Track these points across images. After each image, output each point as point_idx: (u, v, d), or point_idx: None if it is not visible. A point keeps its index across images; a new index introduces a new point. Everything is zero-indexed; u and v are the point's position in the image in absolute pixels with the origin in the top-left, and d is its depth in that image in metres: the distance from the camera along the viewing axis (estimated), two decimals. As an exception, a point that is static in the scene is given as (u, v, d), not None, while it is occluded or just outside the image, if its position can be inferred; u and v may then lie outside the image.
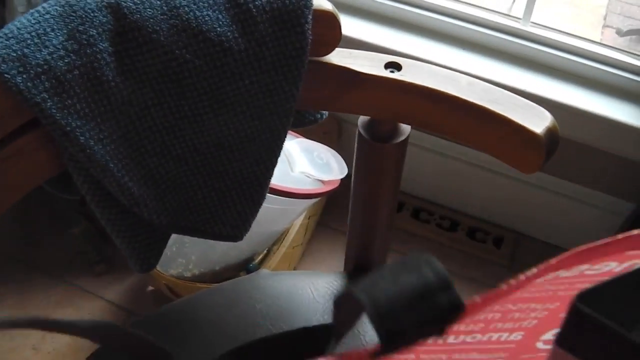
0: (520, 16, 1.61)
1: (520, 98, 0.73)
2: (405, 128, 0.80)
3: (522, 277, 0.35)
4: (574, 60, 1.57)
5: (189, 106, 0.71)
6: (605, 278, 0.37)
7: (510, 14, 1.64)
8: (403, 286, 0.31)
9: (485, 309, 0.37)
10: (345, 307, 0.33)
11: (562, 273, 0.40)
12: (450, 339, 0.41)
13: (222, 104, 0.72)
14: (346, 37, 1.61)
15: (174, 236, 1.43)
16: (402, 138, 0.79)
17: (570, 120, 1.53)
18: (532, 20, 1.60)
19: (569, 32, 1.61)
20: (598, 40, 1.62)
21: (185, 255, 1.48)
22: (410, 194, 1.95)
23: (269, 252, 1.60)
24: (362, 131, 0.79)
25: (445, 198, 1.93)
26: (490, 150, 0.73)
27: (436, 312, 0.32)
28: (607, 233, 1.70)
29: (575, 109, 1.51)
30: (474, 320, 0.40)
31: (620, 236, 0.38)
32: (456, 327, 0.40)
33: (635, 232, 0.39)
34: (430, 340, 0.39)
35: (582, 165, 1.67)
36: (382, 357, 0.32)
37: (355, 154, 0.83)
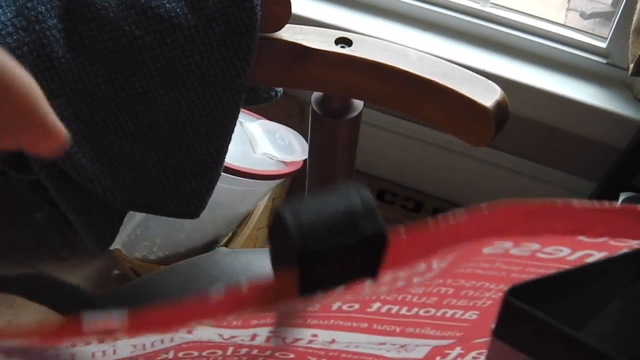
0: (481, -3, 1.62)
1: (470, 72, 0.74)
2: (358, 104, 0.81)
3: (451, 220, 0.35)
4: (532, 41, 1.59)
5: (140, 82, 0.71)
6: (556, 266, 0.38)
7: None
8: (328, 208, 0.32)
9: (414, 253, 0.36)
10: (277, 233, 0.33)
11: (513, 250, 0.40)
12: (404, 310, 0.42)
13: (173, 80, 0.72)
14: (302, 16, 1.62)
15: (138, 219, 1.44)
16: (355, 114, 0.80)
17: (531, 100, 1.54)
18: (496, 3, 1.61)
19: (530, 13, 1.62)
20: (562, 23, 1.64)
21: (150, 238, 1.49)
22: (374, 176, 1.96)
23: (234, 234, 1.60)
24: (315, 107, 0.80)
25: (410, 179, 1.94)
26: (440, 123, 0.74)
27: (359, 239, 0.31)
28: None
29: (536, 89, 1.53)
30: (427, 292, 0.41)
31: (576, 204, 0.38)
32: (409, 297, 0.41)
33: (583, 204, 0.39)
34: (377, 305, 0.39)
35: (545, 145, 1.68)
36: (304, 283, 0.32)
37: (309, 131, 0.84)
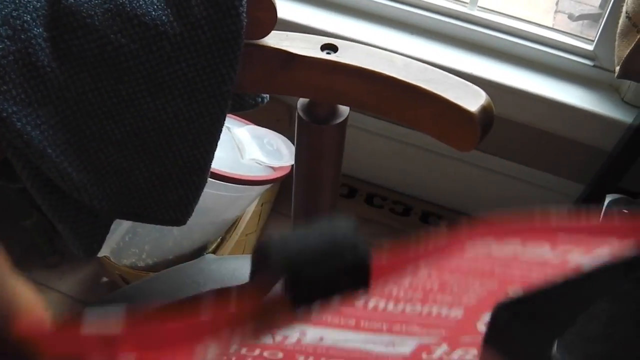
0: (468, 1, 1.62)
1: (456, 77, 0.74)
2: (344, 109, 0.81)
3: (430, 244, 0.36)
4: (520, 44, 1.59)
5: (126, 90, 0.71)
6: (536, 269, 0.38)
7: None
8: (313, 241, 0.33)
9: (403, 272, 0.37)
10: (260, 265, 0.34)
11: (495, 250, 0.41)
12: (390, 306, 0.42)
13: (159, 88, 0.72)
14: (288, 20, 1.62)
15: (126, 226, 1.44)
16: (341, 119, 0.80)
17: (519, 103, 1.55)
18: (483, 6, 1.61)
19: (517, 16, 1.63)
20: (550, 26, 1.64)
21: (138, 245, 1.48)
22: (363, 180, 1.96)
23: (222, 240, 1.60)
24: (301, 114, 0.80)
25: (399, 183, 1.95)
26: (426, 128, 0.74)
27: (344, 268, 0.33)
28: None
29: (523, 92, 1.53)
30: (413, 286, 0.41)
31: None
32: (395, 292, 0.41)
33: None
34: (363, 303, 0.40)
35: (533, 148, 1.69)
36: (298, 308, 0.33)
37: (295, 137, 0.84)
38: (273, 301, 0.33)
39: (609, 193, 1.49)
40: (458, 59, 1.59)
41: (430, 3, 1.63)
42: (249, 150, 1.37)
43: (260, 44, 0.75)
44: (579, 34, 1.59)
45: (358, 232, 0.34)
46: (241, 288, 0.34)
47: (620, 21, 1.23)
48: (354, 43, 0.76)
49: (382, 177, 1.95)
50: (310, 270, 0.32)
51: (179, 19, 0.70)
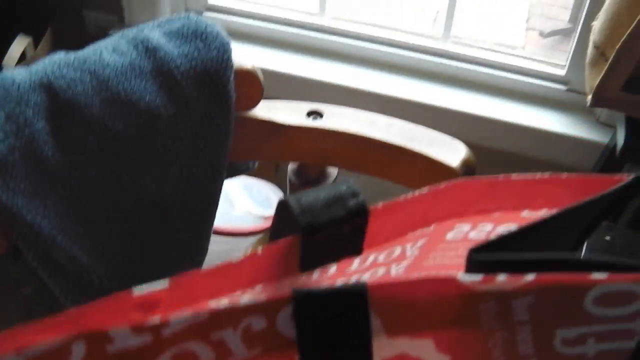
0: (441, 35, 1.67)
1: (436, 133, 0.78)
2: (333, 170, 0.85)
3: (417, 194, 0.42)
4: (495, 75, 1.63)
5: (127, 173, 0.74)
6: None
7: (435, 23, 1.69)
8: (322, 194, 0.41)
9: (388, 220, 0.43)
10: (280, 215, 0.43)
11: (471, 233, 0.48)
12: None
13: (158, 167, 0.75)
14: (267, 70, 1.66)
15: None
16: (330, 180, 0.84)
17: (498, 132, 1.58)
18: (455, 25, 1.64)
19: (490, 45, 1.67)
20: (522, 43, 1.69)
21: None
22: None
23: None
24: (292, 177, 0.84)
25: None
26: (412, 185, 0.78)
27: (347, 212, 0.40)
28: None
29: (501, 122, 1.57)
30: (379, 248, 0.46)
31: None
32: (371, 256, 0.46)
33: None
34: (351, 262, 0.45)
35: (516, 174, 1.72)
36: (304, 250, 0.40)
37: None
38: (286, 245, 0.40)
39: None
40: (434, 93, 1.62)
41: (403, 42, 1.68)
42: (240, 201, 1.40)
43: (250, 115, 0.79)
44: (551, 50, 1.63)
45: (354, 184, 0.42)
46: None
47: (589, 50, 1.27)
48: (338, 107, 0.80)
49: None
50: (321, 213, 0.40)
51: (171, 100, 0.74)
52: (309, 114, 0.80)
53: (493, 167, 1.69)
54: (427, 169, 0.76)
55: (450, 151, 0.76)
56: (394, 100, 1.61)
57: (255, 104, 0.79)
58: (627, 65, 1.18)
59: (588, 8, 1.48)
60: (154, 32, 0.76)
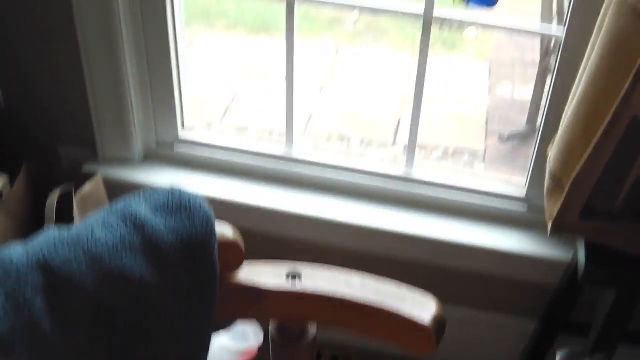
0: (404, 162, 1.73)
1: (406, 289, 0.83)
2: (313, 326, 0.89)
3: None
4: (456, 198, 1.70)
5: (120, 341, 0.78)
6: None
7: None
8: None
9: None
10: None
11: None
12: None
13: (148, 334, 0.79)
14: (235, 204, 1.72)
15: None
16: (311, 336, 0.88)
17: (461, 254, 1.64)
18: (419, 134, 1.71)
19: (453, 149, 1.71)
20: (482, 147, 1.74)
21: None
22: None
23: None
24: (274, 335, 0.88)
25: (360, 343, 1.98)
26: (387, 339, 0.83)
27: None
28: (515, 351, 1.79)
29: (464, 246, 1.63)
30: None
31: None
32: None
33: None
34: None
35: (483, 292, 1.76)
36: None
37: (271, 356, 0.92)
38: None
39: (560, 329, 1.57)
40: (398, 220, 1.68)
41: (367, 171, 1.76)
42: (217, 337, 1.43)
43: (232, 281, 0.84)
44: (511, 156, 1.68)
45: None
46: None
47: (546, 179, 1.32)
48: (316, 268, 0.86)
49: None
50: None
51: (159, 272, 0.79)
52: (288, 274, 0.85)
53: (457, 286, 1.73)
54: (400, 326, 0.81)
55: (422, 308, 0.81)
56: (357, 228, 1.68)
57: (236, 269, 0.84)
58: (582, 195, 1.23)
59: (545, 117, 1.57)
60: (140, 207, 0.81)
